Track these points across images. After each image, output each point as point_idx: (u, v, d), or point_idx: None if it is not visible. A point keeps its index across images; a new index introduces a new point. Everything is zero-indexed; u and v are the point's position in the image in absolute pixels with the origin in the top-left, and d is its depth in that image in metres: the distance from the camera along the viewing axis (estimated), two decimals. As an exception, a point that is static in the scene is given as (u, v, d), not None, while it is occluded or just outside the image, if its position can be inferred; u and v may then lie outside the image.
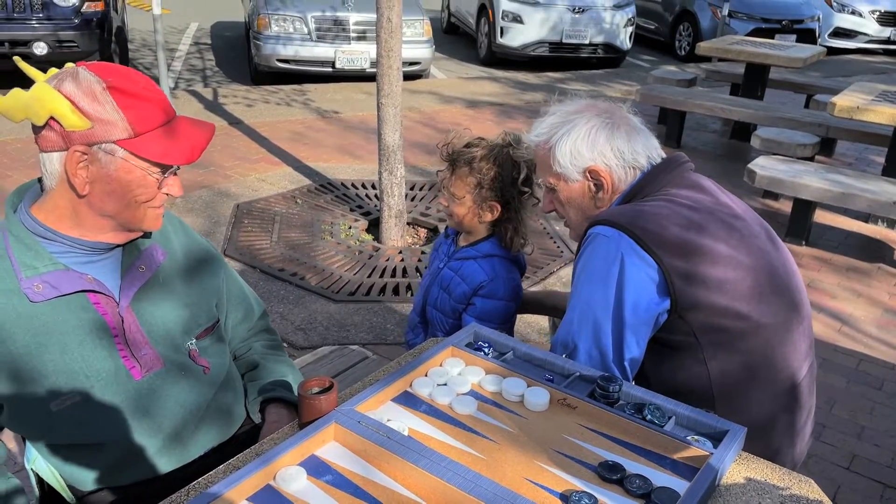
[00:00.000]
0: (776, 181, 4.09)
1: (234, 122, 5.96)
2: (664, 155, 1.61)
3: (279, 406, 1.48)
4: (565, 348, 1.52)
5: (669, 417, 1.32)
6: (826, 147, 5.91)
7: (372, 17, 7.03)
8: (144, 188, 1.26)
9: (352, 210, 4.36)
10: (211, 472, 1.17)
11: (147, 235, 1.37)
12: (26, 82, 1.24)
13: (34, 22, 6.34)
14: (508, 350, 1.52)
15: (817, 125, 5.15)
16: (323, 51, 7.28)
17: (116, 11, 7.28)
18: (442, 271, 1.88)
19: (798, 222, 4.21)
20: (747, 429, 1.33)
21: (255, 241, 3.87)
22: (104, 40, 6.61)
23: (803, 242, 4.26)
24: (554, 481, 1.18)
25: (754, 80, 6.18)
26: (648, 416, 1.31)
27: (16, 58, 1.38)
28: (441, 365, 1.47)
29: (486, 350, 1.52)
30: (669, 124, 6.05)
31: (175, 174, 1.32)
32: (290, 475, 1.15)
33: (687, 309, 1.41)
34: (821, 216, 4.69)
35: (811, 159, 4.89)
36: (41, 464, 1.32)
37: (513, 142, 1.77)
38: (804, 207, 4.18)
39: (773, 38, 9.97)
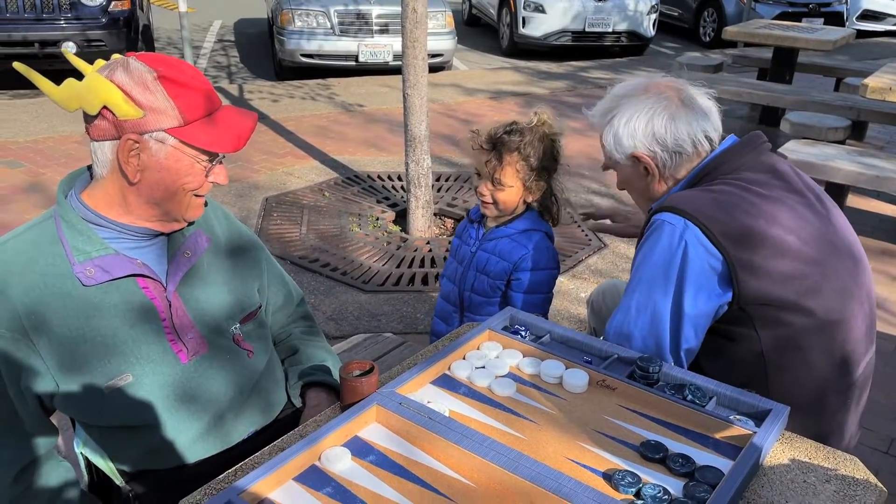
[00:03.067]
0: (807, 165, 4.03)
1: (261, 117, 6.01)
2: (719, 134, 1.53)
3: (319, 390, 1.50)
4: (619, 336, 1.49)
5: (710, 397, 1.32)
6: (857, 131, 5.80)
7: (394, 9, 7.04)
8: (193, 176, 1.28)
9: (379, 202, 4.38)
10: (256, 454, 1.20)
11: (191, 222, 1.39)
12: (56, 83, 1.26)
13: (62, 22, 6.44)
14: (545, 333, 1.52)
15: (848, 108, 5.06)
16: (346, 45, 7.30)
17: (142, 10, 7.36)
18: (476, 255, 1.89)
19: (830, 207, 4.15)
20: (799, 412, 1.32)
21: (285, 234, 3.90)
22: (131, 39, 6.69)
23: (836, 227, 4.18)
24: (596, 461, 1.19)
25: (782, 64, 6.09)
26: (689, 396, 1.31)
27: (64, 48, 1.40)
28: (478, 348, 1.48)
29: (523, 333, 1.52)
30: (696, 111, 5.97)
31: (221, 163, 1.34)
32: (335, 455, 1.16)
33: (750, 302, 1.37)
34: (854, 201, 4.62)
35: (842, 143, 4.81)
36: (91, 448, 1.36)
37: (547, 119, 1.80)
38: (837, 191, 4.12)
39: (800, 21, 9.82)
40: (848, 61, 7.74)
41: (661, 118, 1.48)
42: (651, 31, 9.50)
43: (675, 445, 1.22)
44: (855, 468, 1.21)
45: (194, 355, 1.34)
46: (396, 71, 3.89)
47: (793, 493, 1.15)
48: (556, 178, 1.86)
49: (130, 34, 6.69)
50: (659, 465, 1.18)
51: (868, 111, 5.04)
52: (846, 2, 10.33)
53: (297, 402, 1.51)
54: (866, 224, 4.34)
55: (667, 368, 1.37)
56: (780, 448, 1.25)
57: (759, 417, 1.27)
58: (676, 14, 11.36)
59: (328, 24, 7.26)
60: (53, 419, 1.34)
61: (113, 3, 6.53)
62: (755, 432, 1.21)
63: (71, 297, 1.25)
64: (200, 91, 1.27)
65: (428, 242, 3.88)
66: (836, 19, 10.02)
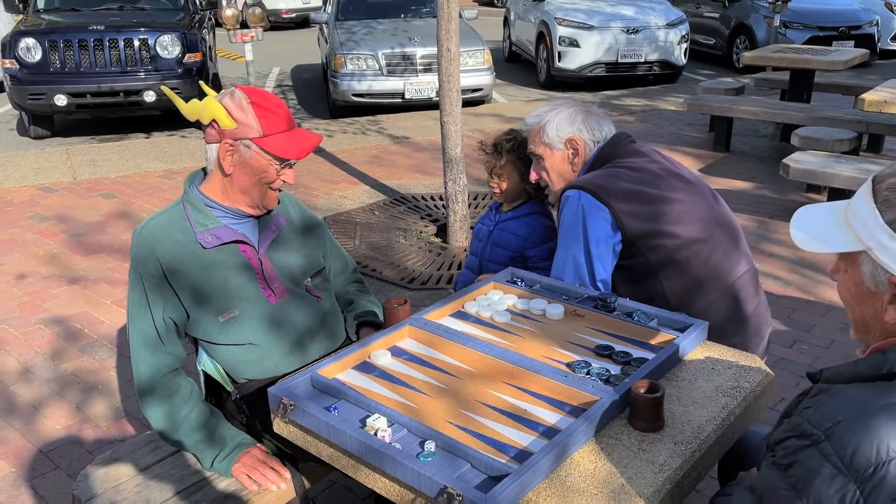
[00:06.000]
0: (809, 172, 4.43)
1: (318, 150, 6.67)
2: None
3: (369, 328, 2.03)
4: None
5: (653, 319, 1.80)
6: (874, 144, 6.13)
7: (436, 50, 7.69)
8: (267, 174, 1.83)
9: (422, 218, 4.94)
10: (325, 358, 1.72)
11: (269, 210, 1.94)
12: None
13: (143, 73, 7.27)
14: (536, 283, 2.02)
15: (857, 122, 5.42)
16: (393, 84, 7.98)
17: (212, 60, 8.20)
18: (493, 233, 2.42)
19: (833, 210, 4.52)
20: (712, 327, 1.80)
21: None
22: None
23: (840, 229, 4.54)
24: (562, 357, 1.68)
25: (799, 84, 6.48)
26: (636, 318, 1.79)
27: (201, 83, 2.00)
28: (486, 294, 1.99)
29: (519, 283, 2.03)
30: (718, 131, 6.39)
31: (290, 167, 1.89)
32: (380, 354, 1.69)
33: (635, 237, 1.92)
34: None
35: (855, 154, 5.17)
36: (208, 364, 1.90)
37: (523, 129, 2.33)
38: (838, 196, 4.49)
39: (830, 45, 10.12)
40: (877, 81, 8.03)
41: (593, 117, 2.11)
42: (683, 60, 9.93)
43: (621, 348, 1.70)
44: (752, 361, 1.67)
45: (279, 298, 1.88)
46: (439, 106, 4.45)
47: (700, 373, 1.61)
48: None
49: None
50: (606, 358, 1.67)
51: (877, 124, 5.39)
52: (877, 24, 10.59)
53: (354, 337, 2.04)
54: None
55: (621, 301, 1.85)
56: (700, 350, 1.72)
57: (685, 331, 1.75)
58: (711, 42, 11.77)
59: (376, 66, 7.95)
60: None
61: (187, 55, 7.35)
62: (678, 336, 1.69)
63: (196, 256, 1.81)
64: (279, 115, 1.82)
65: (465, 250, 4.40)
66: (866, 42, 10.28)
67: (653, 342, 1.73)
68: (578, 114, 2.09)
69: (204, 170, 1.92)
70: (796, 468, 1.01)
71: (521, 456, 1.34)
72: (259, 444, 1.87)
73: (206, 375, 1.93)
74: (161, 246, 1.79)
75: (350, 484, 2.45)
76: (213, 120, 1.78)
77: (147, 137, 7.49)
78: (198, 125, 2.00)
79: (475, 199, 5.25)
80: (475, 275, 2.45)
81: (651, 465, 1.32)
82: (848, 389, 1.02)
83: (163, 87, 1.99)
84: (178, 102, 1.85)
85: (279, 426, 1.56)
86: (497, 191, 2.39)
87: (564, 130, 2.08)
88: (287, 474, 1.82)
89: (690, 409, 1.49)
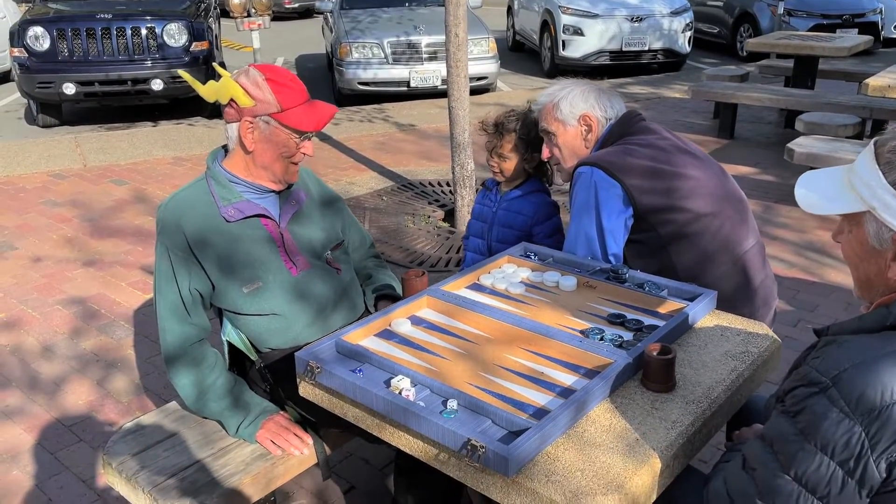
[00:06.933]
0: (813, 156, 4.48)
1: (325, 138, 6.73)
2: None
3: (387, 300, 2.09)
4: (569, 254, 2.08)
5: (663, 289, 1.86)
6: (877, 129, 6.17)
7: (442, 38, 7.72)
8: (287, 147, 1.89)
9: (430, 203, 4.99)
10: (349, 325, 1.78)
11: (291, 185, 2.00)
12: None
13: (150, 62, 7.32)
14: (548, 257, 2.08)
15: (861, 108, 5.47)
16: (398, 72, 8.03)
17: (218, 49, 8.24)
18: (497, 214, 2.46)
19: (837, 194, 4.57)
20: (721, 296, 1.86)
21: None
22: (209, 75, 7.53)
23: (844, 213, 4.60)
24: (576, 325, 1.74)
25: (803, 71, 6.51)
26: (647, 288, 1.85)
27: (214, 64, 2.05)
28: (500, 267, 2.05)
29: (532, 256, 2.09)
30: (722, 117, 6.43)
31: (309, 140, 1.94)
32: (400, 322, 1.75)
33: (646, 212, 1.97)
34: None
35: (859, 138, 5.21)
36: (233, 334, 1.96)
37: (534, 107, 2.37)
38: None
39: (834, 33, 10.14)
40: (881, 68, 8.03)
41: (604, 95, 2.16)
42: (687, 48, 9.96)
43: (633, 316, 1.76)
44: (760, 328, 1.73)
45: (301, 270, 1.94)
46: (445, 94, 4.49)
47: (709, 339, 1.68)
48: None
49: (209, 71, 7.54)
50: (619, 326, 1.72)
51: (881, 109, 5.43)
52: (881, 12, 10.59)
53: (372, 310, 2.10)
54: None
55: (633, 273, 1.91)
56: (710, 318, 1.78)
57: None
58: (715, 31, 11.79)
59: (382, 55, 8.00)
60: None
61: (194, 43, 7.39)
62: (688, 305, 1.74)
63: (220, 230, 1.87)
64: (295, 89, 1.87)
65: (473, 234, 4.46)
66: (870, 29, 10.29)
67: (663, 311, 1.79)
68: (591, 91, 2.14)
69: (224, 147, 1.98)
70: (805, 414, 1.07)
71: (540, 414, 1.40)
72: (282, 412, 1.94)
73: (231, 346, 1.99)
74: (186, 219, 1.85)
75: (367, 455, 2.52)
76: (232, 99, 1.83)
77: (154, 126, 7.55)
78: (209, 113, 2.07)
79: (482, 184, 5.30)
80: (481, 257, 2.50)
81: (664, 423, 1.39)
82: (854, 340, 1.08)
83: (180, 72, 2.05)
84: (196, 85, 1.90)
85: (305, 389, 1.62)
86: (497, 171, 2.43)
87: (578, 107, 2.13)
88: (309, 440, 1.89)
89: (701, 371, 1.56)
